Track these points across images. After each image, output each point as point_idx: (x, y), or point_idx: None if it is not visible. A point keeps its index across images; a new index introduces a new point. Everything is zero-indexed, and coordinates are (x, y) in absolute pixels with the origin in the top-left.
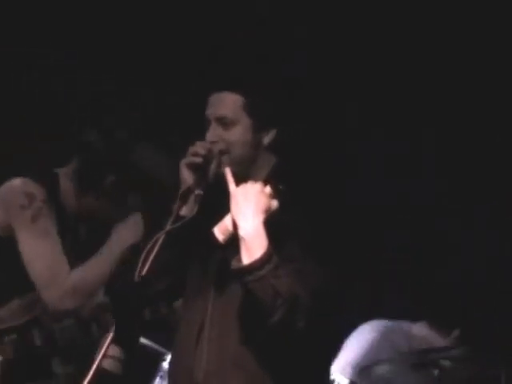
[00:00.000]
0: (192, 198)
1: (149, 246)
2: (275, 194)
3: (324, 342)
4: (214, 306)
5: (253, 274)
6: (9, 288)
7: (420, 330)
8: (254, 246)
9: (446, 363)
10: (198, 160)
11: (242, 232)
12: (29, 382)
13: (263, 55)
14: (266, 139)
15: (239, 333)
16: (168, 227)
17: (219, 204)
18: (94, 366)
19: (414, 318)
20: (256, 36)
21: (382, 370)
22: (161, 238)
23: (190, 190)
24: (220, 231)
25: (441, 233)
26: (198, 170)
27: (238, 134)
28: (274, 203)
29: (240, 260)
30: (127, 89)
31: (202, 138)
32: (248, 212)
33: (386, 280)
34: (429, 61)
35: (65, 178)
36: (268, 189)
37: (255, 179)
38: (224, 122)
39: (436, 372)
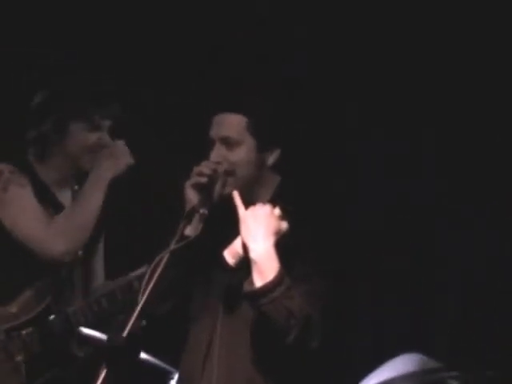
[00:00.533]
0: (197, 218)
1: (153, 266)
2: (284, 215)
3: (335, 359)
4: (223, 324)
5: (266, 297)
6: (15, 283)
7: None
8: (266, 269)
9: (454, 383)
10: (203, 180)
11: (253, 255)
12: (54, 370)
13: (263, 70)
14: (271, 159)
15: (249, 351)
16: (172, 246)
17: (224, 224)
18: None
19: (415, 318)
20: (257, 33)
21: None
22: (165, 257)
23: (194, 210)
24: (230, 255)
25: (441, 233)
26: (203, 189)
27: (242, 154)
28: (284, 225)
29: (252, 283)
30: (127, 89)
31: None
32: (259, 235)
33: (385, 280)
34: (429, 60)
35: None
36: (277, 211)
37: (260, 199)
38: (228, 143)
39: None
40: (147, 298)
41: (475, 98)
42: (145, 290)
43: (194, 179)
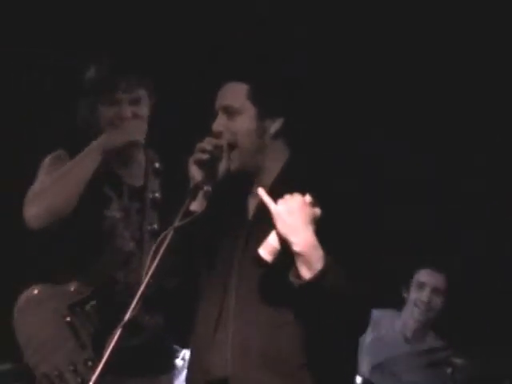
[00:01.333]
0: (201, 195)
1: (157, 242)
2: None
3: (352, 340)
4: (237, 296)
5: (318, 286)
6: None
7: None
8: (312, 259)
9: (459, 361)
10: (205, 156)
11: (296, 248)
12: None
13: (266, 46)
14: (273, 128)
15: (265, 324)
16: (176, 223)
17: (231, 199)
18: (104, 361)
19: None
20: (257, 33)
21: (393, 366)
22: (169, 234)
23: (198, 187)
24: (267, 252)
25: (441, 232)
26: (206, 166)
27: (243, 122)
28: (318, 211)
29: (298, 275)
30: None
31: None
32: (297, 227)
33: (385, 281)
34: (429, 60)
35: None
36: (308, 198)
37: (269, 172)
38: (229, 112)
39: (449, 370)
40: (152, 274)
41: (475, 98)
42: (149, 266)
43: (197, 155)
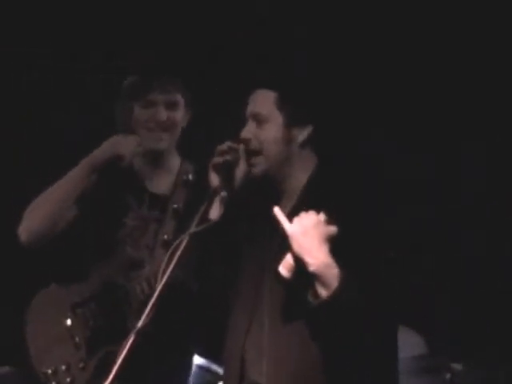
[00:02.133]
0: (218, 200)
1: (172, 248)
2: (330, 219)
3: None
4: (270, 312)
5: (336, 304)
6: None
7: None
8: (328, 279)
9: (458, 367)
10: (222, 159)
11: (312, 268)
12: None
13: (290, 54)
14: (301, 136)
15: (297, 338)
16: (192, 229)
17: (253, 206)
18: (117, 366)
19: (414, 319)
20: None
21: None
22: (185, 240)
23: (215, 192)
24: (285, 269)
25: (441, 232)
26: (222, 170)
27: (270, 130)
28: (333, 228)
29: (316, 295)
30: None
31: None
32: (312, 247)
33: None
34: (429, 60)
35: None
36: (322, 216)
37: (296, 181)
38: (258, 120)
39: (448, 375)
40: (165, 282)
41: (475, 98)
42: (163, 273)
43: (214, 159)
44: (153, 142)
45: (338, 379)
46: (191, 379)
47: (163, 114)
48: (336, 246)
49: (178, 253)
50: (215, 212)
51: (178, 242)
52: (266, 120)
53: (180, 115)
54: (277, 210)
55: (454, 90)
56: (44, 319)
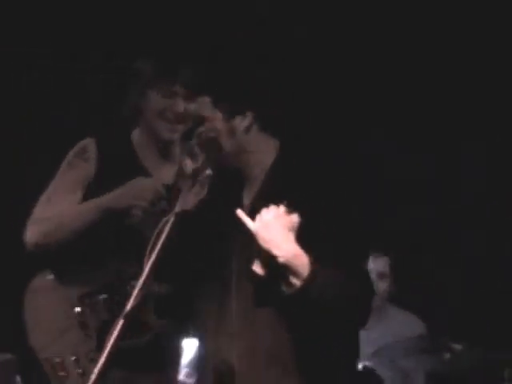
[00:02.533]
0: (201, 179)
1: (156, 232)
2: (291, 207)
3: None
4: (238, 299)
5: (309, 292)
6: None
7: None
8: (298, 268)
9: (458, 347)
10: (205, 137)
11: (281, 260)
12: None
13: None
14: (241, 125)
15: (267, 325)
16: (177, 209)
17: (223, 196)
18: (107, 351)
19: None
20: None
21: (391, 352)
22: (171, 219)
23: (197, 172)
24: (259, 266)
25: (441, 232)
26: (208, 148)
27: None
28: (295, 217)
29: (290, 284)
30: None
31: None
32: (277, 240)
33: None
34: (429, 61)
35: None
36: (282, 208)
37: (258, 167)
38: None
39: (448, 355)
40: (153, 263)
41: (475, 97)
42: (149, 255)
43: (202, 135)
44: (167, 132)
45: (308, 360)
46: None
47: (181, 106)
48: (304, 230)
49: (165, 233)
50: (198, 191)
51: (163, 222)
52: (209, 119)
53: (193, 108)
54: (239, 212)
55: (454, 91)
56: (46, 306)
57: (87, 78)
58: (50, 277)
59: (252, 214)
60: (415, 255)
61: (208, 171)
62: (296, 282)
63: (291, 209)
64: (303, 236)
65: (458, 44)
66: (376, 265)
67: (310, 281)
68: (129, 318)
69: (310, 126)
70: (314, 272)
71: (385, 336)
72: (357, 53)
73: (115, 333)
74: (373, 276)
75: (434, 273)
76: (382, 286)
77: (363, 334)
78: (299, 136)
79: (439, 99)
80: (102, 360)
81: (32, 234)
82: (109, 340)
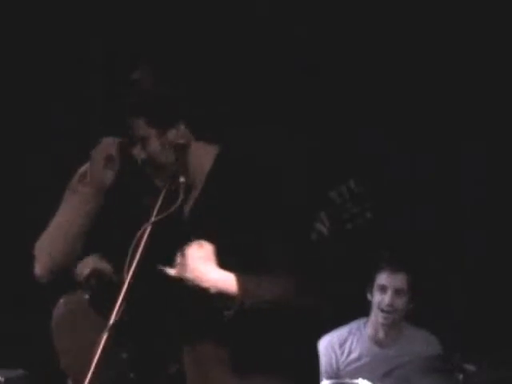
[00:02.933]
0: (177, 187)
1: (136, 239)
2: (202, 234)
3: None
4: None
5: (246, 303)
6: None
7: None
8: (229, 291)
9: (471, 367)
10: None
11: (212, 291)
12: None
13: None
14: (170, 135)
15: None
16: (153, 218)
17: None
18: (93, 365)
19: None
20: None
21: (404, 372)
22: (147, 229)
23: (174, 177)
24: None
25: (441, 232)
26: (178, 155)
27: (151, 144)
28: (208, 245)
29: (228, 307)
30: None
31: None
32: (199, 276)
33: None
34: (429, 60)
35: None
36: (192, 244)
37: (199, 171)
38: (142, 140)
39: (460, 376)
40: (133, 273)
41: (475, 97)
42: (130, 264)
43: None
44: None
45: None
46: None
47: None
48: (247, 234)
49: (142, 243)
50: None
51: (141, 231)
52: (145, 138)
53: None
54: (160, 269)
55: (454, 90)
56: (82, 331)
57: (87, 77)
58: (86, 297)
59: (193, 223)
60: (415, 255)
61: (182, 179)
62: (232, 303)
63: (207, 232)
64: (247, 240)
65: (458, 44)
66: (393, 281)
67: (244, 297)
68: (112, 331)
69: (310, 126)
70: (242, 283)
71: (401, 356)
72: (357, 53)
73: (100, 346)
74: (390, 292)
75: (434, 273)
76: (399, 304)
77: (380, 353)
78: (239, 140)
79: (439, 99)
80: (90, 372)
81: (38, 262)
82: (95, 351)
